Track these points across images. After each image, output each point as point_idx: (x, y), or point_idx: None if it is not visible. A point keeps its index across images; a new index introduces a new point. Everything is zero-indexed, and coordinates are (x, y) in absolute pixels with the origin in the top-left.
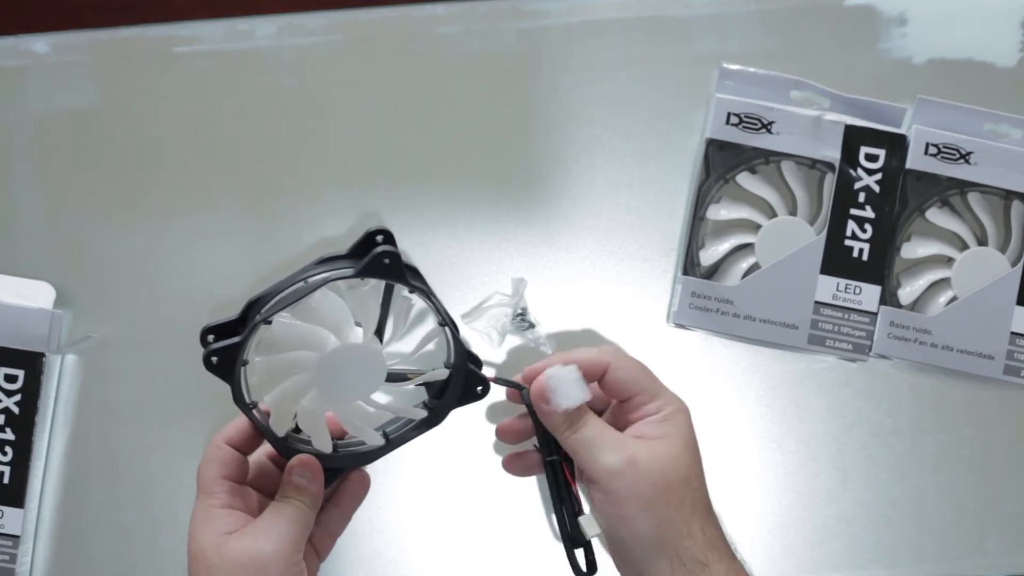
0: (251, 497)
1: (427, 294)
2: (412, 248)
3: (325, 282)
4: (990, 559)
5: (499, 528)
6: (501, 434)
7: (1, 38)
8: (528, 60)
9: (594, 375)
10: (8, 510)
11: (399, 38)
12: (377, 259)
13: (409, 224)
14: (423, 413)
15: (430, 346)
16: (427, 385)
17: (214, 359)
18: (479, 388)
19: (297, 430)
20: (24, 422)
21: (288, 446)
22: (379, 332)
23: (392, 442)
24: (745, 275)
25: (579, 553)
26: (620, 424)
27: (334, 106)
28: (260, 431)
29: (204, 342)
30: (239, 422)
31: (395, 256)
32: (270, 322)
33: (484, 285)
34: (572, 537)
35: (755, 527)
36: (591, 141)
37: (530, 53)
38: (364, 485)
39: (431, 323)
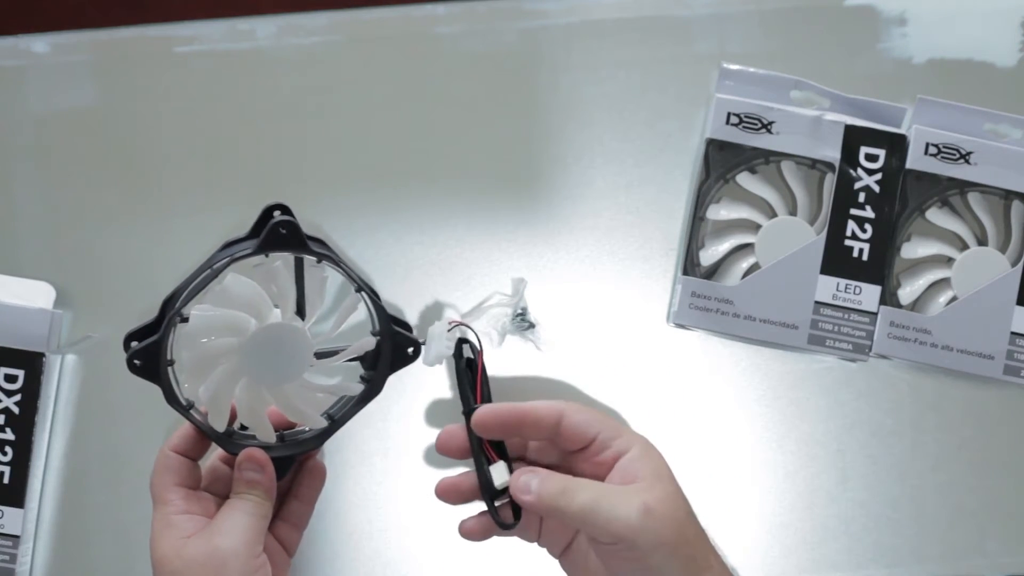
0: (208, 502)
1: (335, 261)
2: (412, 248)
3: (229, 263)
4: (990, 559)
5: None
6: (443, 493)
7: (1, 38)
8: (528, 60)
9: (548, 426)
10: (8, 510)
11: (399, 38)
12: (274, 230)
13: (409, 224)
14: (360, 387)
15: (358, 317)
16: (361, 359)
17: (136, 362)
18: (410, 350)
19: (243, 427)
20: (24, 422)
21: (234, 443)
22: (300, 311)
23: (335, 422)
24: (745, 275)
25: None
26: (590, 473)
27: (334, 106)
28: (201, 430)
29: (126, 348)
30: (184, 429)
31: (292, 225)
32: (186, 318)
33: (484, 285)
34: (488, 489)
35: (755, 527)
36: (591, 141)
37: (530, 53)
38: (320, 473)
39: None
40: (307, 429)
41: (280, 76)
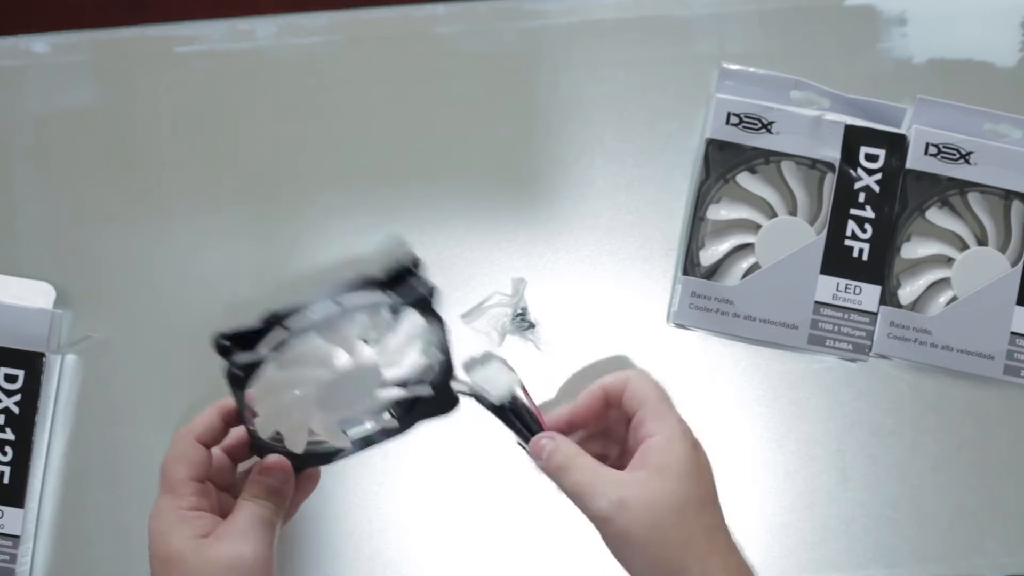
0: (213, 497)
1: (442, 325)
2: (412, 248)
3: (360, 310)
4: (990, 559)
5: (499, 528)
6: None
7: (1, 38)
8: (528, 60)
9: (616, 395)
10: (8, 510)
11: (399, 38)
12: (418, 295)
13: (409, 224)
14: (393, 422)
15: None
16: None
17: (238, 373)
18: (448, 406)
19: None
20: (24, 422)
21: (263, 445)
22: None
23: (355, 445)
24: (745, 275)
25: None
26: (630, 448)
27: (334, 106)
28: (249, 433)
29: (220, 347)
30: (209, 417)
31: (434, 290)
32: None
33: (484, 285)
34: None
35: (755, 527)
36: (591, 141)
37: (530, 53)
38: (314, 481)
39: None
40: (323, 441)
41: (280, 76)
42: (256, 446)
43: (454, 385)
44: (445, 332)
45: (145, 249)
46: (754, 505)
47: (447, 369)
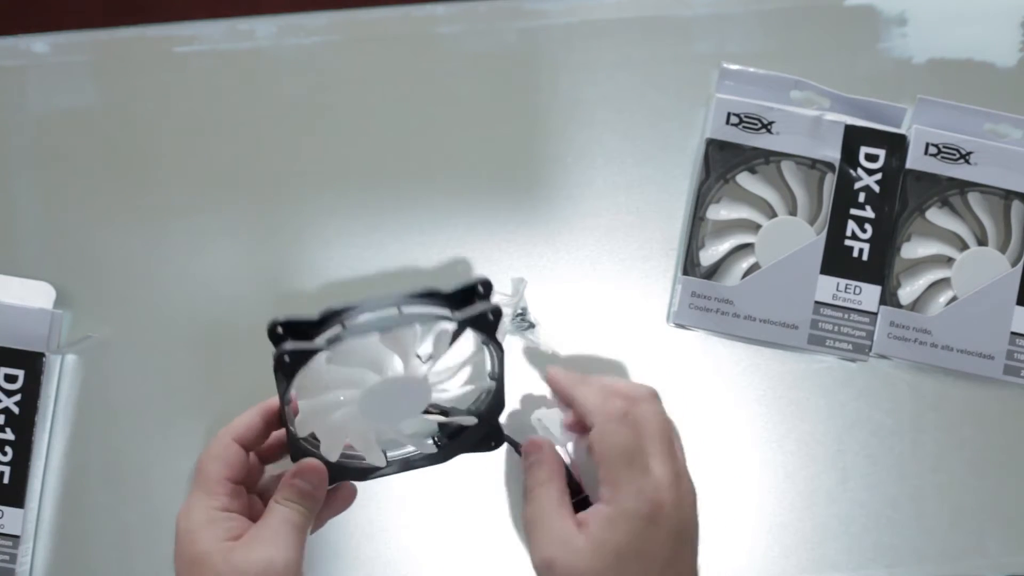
0: (244, 499)
1: (500, 350)
2: (412, 248)
3: (422, 320)
4: (990, 559)
5: (500, 528)
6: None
7: (1, 38)
8: (528, 60)
9: (583, 425)
10: (8, 510)
11: (399, 38)
12: (483, 316)
13: (409, 224)
14: (432, 448)
15: (465, 385)
16: (442, 425)
17: (287, 359)
18: (493, 443)
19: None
20: (24, 422)
21: (300, 447)
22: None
23: (391, 465)
24: (745, 275)
25: None
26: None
27: (334, 106)
28: (288, 433)
29: (274, 334)
30: (251, 419)
31: (500, 315)
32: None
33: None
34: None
35: (755, 527)
36: (591, 141)
37: (530, 53)
38: (347, 501)
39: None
40: (359, 456)
41: (280, 76)
42: (293, 448)
43: (502, 421)
44: (501, 362)
45: (145, 249)
46: (754, 505)
47: (497, 402)
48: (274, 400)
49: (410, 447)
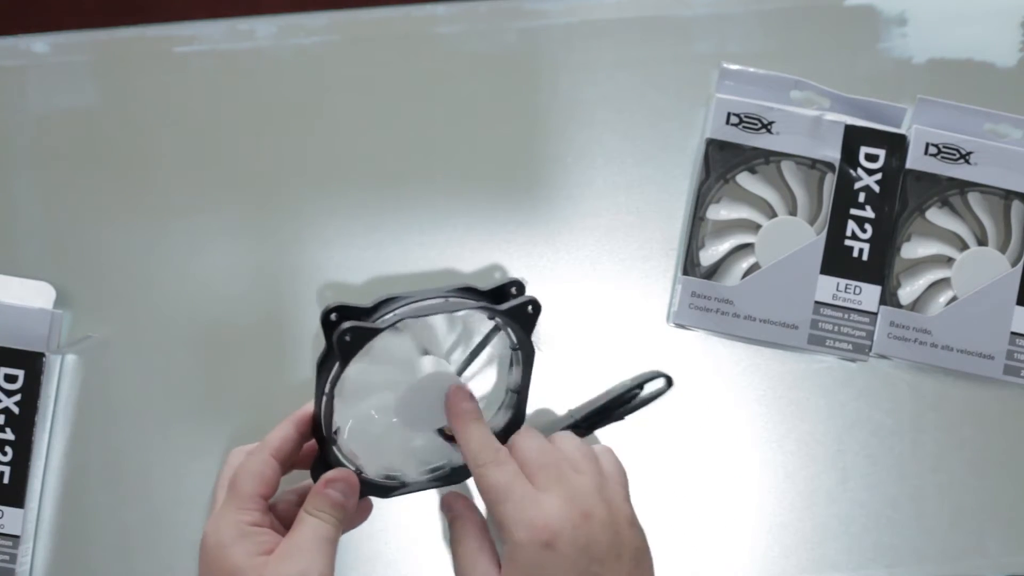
0: (272, 513)
1: (531, 356)
2: (412, 249)
3: (469, 308)
4: (990, 559)
5: None
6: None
7: (1, 38)
8: (528, 60)
9: None
10: (8, 510)
11: (399, 38)
12: (523, 308)
13: (409, 224)
14: (452, 472)
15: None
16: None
17: (347, 338)
18: None
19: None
20: (24, 422)
21: (331, 454)
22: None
23: (411, 485)
24: (745, 275)
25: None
26: None
27: (334, 106)
28: (317, 433)
29: (328, 321)
30: (284, 431)
31: (538, 308)
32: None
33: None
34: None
35: (755, 527)
36: (591, 141)
37: (530, 53)
38: (364, 512)
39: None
40: (387, 475)
41: (280, 76)
42: (324, 453)
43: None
44: (531, 364)
45: (145, 249)
46: (754, 505)
47: (518, 414)
48: (306, 410)
49: (435, 464)
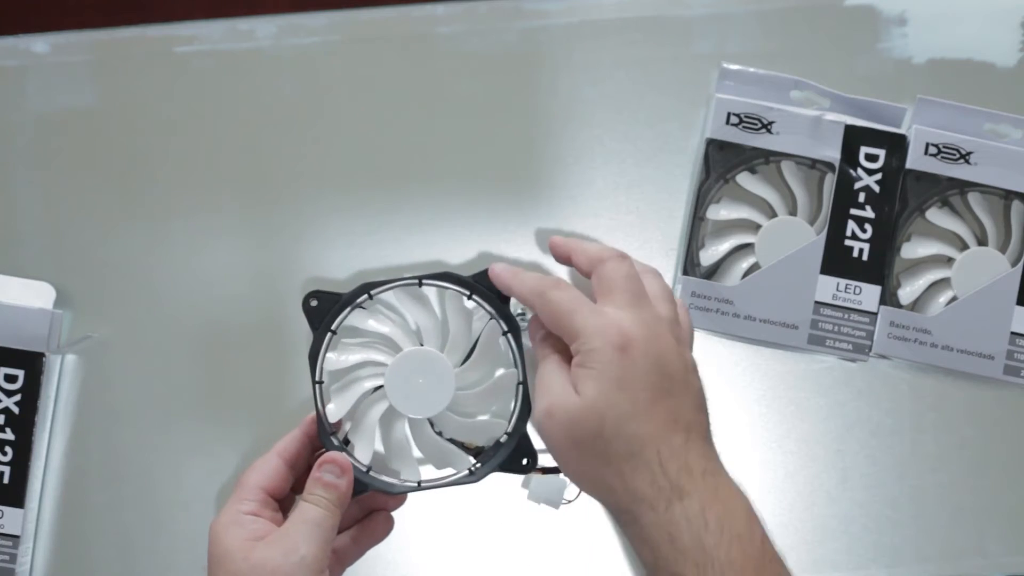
0: (276, 508)
1: (517, 330)
2: (412, 249)
3: (438, 286)
4: (990, 559)
5: (501, 528)
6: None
7: (1, 38)
8: (528, 60)
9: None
10: (8, 510)
11: (399, 38)
12: (485, 273)
13: (409, 224)
14: (464, 472)
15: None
16: (466, 447)
17: (313, 302)
18: (525, 461)
19: (346, 441)
20: (24, 422)
21: (331, 441)
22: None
23: (421, 485)
24: (745, 275)
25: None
26: None
27: (334, 106)
28: (319, 428)
29: (308, 306)
30: (292, 434)
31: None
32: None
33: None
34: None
35: None
36: (591, 141)
37: (530, 53)
38: (388, 527)
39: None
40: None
41: (280, 76)
42: (320, 431)
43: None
44: (519, 342)
45: (145, 249)
46: (754, 505)
47: (525, 409)
48: (314, 415)
49: (444, 472)
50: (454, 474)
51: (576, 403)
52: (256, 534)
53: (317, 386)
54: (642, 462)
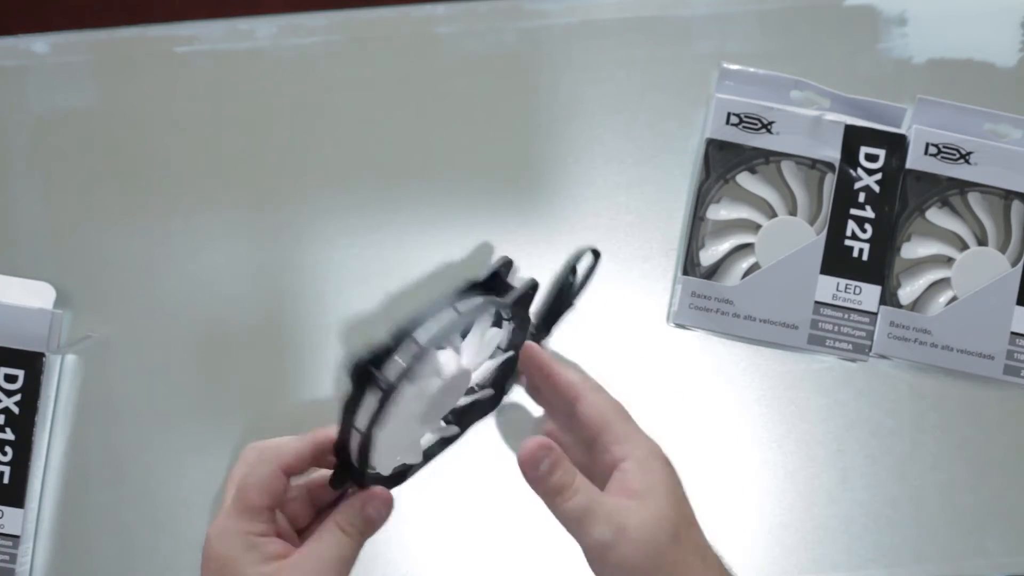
0: (282, 519)
1: (527, 324)
2: (412, 248)
3: (479, 312)
4: (990, 559)
5: (501, 528)
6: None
7: (1, 38)
8: (528, 60)
9: (565, 401)
10: (8, 510)
11: (399, 38)
12: (527, 294)
13: (409, 224)
14: (451, 429)
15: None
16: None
17: (388, 386)
18: (498, 401)
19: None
20: (24, 422)
21: (356, 473)
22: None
23: (426, 457)
24: (745, 275)
25: None
26: (595, 470)
27: (334, 106)
28: (342, 455)
29: (361, 373)
30: (300, 448)
31: (537, 288)
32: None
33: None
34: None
35: (755, 527)
36: (591, 141)
37: (530, 53)
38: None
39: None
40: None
41: (280, 76)
42: (347, 470)
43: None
44: (526, 331)
45: (145, 249)
46: (754, 505)
47: (509, 367)
48: (327, 434)
49: (430, 435)
50: (438, 437)
51: (652, 513)
52: (272, 555)
53: (359, 435)
54: (708, 566)
